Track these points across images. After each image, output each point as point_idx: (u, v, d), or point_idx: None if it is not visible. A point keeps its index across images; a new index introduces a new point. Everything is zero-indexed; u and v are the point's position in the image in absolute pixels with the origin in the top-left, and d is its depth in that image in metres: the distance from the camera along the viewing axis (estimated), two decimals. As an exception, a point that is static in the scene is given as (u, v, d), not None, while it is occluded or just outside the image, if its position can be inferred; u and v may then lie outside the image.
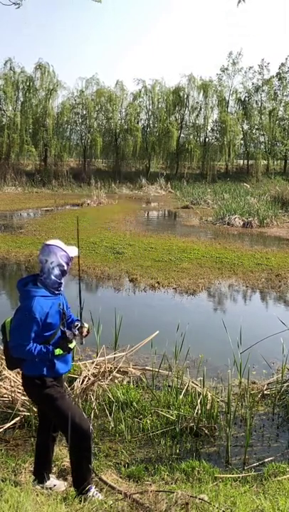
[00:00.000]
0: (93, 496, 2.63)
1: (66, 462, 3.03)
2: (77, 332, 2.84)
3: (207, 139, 37.40)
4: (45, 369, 2.75)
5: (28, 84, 31.99)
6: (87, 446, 2.68)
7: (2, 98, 31.55)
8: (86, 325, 2.91)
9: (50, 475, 2.87)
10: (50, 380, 2.78)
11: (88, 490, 2.65)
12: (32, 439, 3.47)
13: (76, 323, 2.89)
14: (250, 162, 38.75)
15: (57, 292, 2.83)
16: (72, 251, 2.86)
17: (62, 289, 2.89)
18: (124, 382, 4.19)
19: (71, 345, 2.77)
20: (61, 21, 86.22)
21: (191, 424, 3.62)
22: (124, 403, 3.84)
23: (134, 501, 2.50)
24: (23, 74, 32.08)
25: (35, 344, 2.67)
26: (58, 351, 2.71)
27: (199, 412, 3.68)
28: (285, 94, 37.64)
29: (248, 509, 2.55)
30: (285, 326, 4.70)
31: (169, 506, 2.40)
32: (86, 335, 2.90)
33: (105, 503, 2.53)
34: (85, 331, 2.88)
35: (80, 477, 2.67)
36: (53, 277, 2.78)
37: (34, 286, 2.78)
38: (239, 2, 3.06)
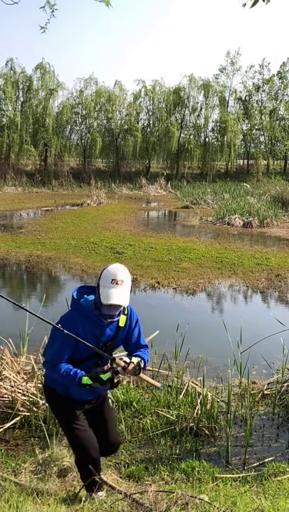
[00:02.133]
0: (98, 497, 2.60)
1: (67, 462, 3.03)
2: (110, 366, 2.48)
3: (207, 139, 37.39)
4: (59, 385, 2.59)
5: (27, 84, 32.00)
6: (86, 474, 2.57)
7: (2, 98, 31.54)
8: (131, 360, 2.53)
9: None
10: (65, 398, 2.59)
11: (95, 490, 2.61)
12: (32, 439, 3.47)
13: (118, 357, 2.53)
14: (251, 162, 38.75)
15: (106, 321, 2.55)
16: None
17: (116, 319, 2.58)
18: (124, 383, 4.18)
19: (104, 377, 2.45)
20: (61, 21, 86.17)
21: (191, 424, 3.62)
22: (124, 403, 3.84)
23: (134, 501, 2.50)
24: (23, 74, 32.10)
25: (63, 364, 2.48)
26: (85, 380, 2.44)
27: (199, 412, 3.68)
28: (285, 93, 37.63)
29: (248, 509, 2.55)
30: (285, 326, 4.70)
31: (169, 506, 2.40)
32: (131, 372, 2.52)
33: (105, 503, 2.53)
34: (126, 365, 2.48)
35: (83, 479, 2.65)
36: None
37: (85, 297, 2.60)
38: (253, 4, 2.90)
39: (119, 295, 2.45)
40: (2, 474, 2.89)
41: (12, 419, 3.58)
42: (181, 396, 3.94)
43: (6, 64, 31.67)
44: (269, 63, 38.70)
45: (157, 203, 23.32)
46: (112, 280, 2.46)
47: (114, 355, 2.56)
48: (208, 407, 3.74)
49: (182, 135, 36.50)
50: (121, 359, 2.51)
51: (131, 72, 73.78)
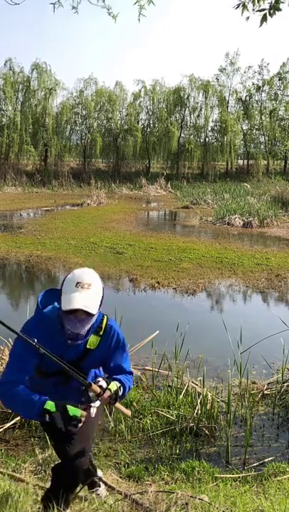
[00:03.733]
0: (97, 494, 2.58)
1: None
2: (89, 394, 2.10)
3: (207, 139, 37.39)
4: None
5: (27, 84, 32.00)
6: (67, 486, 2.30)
7: (2, 98, 31.55)
8: (108, 386, 2.14)
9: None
10: None
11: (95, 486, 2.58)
12: (32, 439, 3.47)
13: (97, 381, 2.16)
14: (251, 162, 38.75)
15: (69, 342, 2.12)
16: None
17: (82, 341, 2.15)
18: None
19: (71, 411, 2.00)
20: (61, 22, 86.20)
21: (191, 424, 3.62)
22: (124, 403, 3.83)
23: (134, 501, 2.50)
24: (22, 74, 32.10)
25: (20, 385, 2.04)
26: (49, 405, 1.99)
27: (199, 412, 3.68)
28: (285, 94, 37.65)
29: (248, 509, 2.55)
30: (286, 325, 4.70)
31: (169, 506, 2.40)
32: (106, 400, 2.14)
33: (105, 503, 2.53)
34: (101, 391, 2.11)
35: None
36: None
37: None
38: (262, 22, 3.05)
39: (83, 299, 2.00)
40: (2, 471, 2.89)
41: (12, 419, 3.58)
42: (181, 396, 3.93)
43: (4, 64, 31.65)
44: (268, 63, 38.70)
45: (157, 203, 23.32)
46: (77, 283, 2.05)
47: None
48: (208, 407, 3.74)
49: (182, 135, 36.50)
50: (96, 382, 2.13)
51: (131, 72, 73.69)
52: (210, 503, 2.48)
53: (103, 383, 2.16)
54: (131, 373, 2.37)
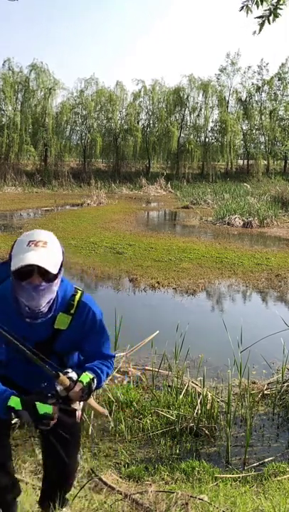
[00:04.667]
0: None
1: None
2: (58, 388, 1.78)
3: (207, 139, 37.40)
4: None
5: (26, 84, 32.00)
6: None
7: (1, 98, 31.55)
8: (79, 378, 1.83)
9: None
10: None
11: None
12: (32, 439, 3.47)
13: (65, 373, 1.82)
14: (251, 162, 38.75)
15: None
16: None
17: (43, 318, 1.83)
18: (124, 382, 4.18)
19: (41, 408, 1.71)
20: (61, 22, 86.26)
21: (191, 424, 3.61)
22: (124, 403, 3.84)
23: (134, 501, 2.50)
24: (21, 74, 32.09)
25: None
26: (14, 402, 1.76)
27: (199, 412, 3.68)
28: (285, 94, 37.66)
29: (248, 509, 2.55)
30: (287, 325, 4.70)
31: (169, 506, 2.40)
32: (76, 395, 1.81)
33: (105, 503, 2.53)
34: (71, 384, 1.79)
35: None
36: None
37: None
38: (260, 29, 3.08)
39: (38, 255, 1.70)
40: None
41: (12, 419, 3.57)
42: (181, 396, 3.93)
43: (3, 64, 31.64)
44: (267, 63, 38.67)
45: (157, 203, 23.32)
46: (30, 242, 1.75)
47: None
48: (208, 407, 3.73)
49: (182, 135, 36.51)
50: (66, 373, 1.81)
51: (131, 72, 73.89)
52: (210, 503, 2.48)
53: (73, 374, 1.82)
54: (111, 357, 2.08)
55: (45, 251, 1.73)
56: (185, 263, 9.58)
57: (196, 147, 35.61)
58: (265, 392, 4.26)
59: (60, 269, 1.80)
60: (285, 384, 4.27)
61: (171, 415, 3.68)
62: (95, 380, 1.91)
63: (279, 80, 37.05)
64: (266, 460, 3.30)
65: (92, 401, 2.05)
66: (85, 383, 1.85)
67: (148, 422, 3.65)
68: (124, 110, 35.73)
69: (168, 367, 4.59)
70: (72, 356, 2.07)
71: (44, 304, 1.79)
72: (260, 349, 4.73)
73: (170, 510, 2.37)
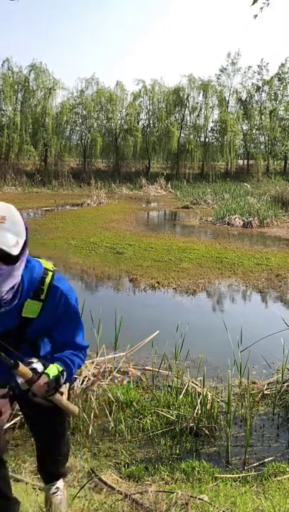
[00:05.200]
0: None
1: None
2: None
3: (207, 139, 37.40)
4: None
5: (26, 84, 31.99)
6: None
7: (1, 98, 31.54)
8: (45, 370, 1.63)
9: None
10: None
11: None
12: (32, 439, 3.47)
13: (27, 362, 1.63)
14: (251, 162, 38.75)
15: None
16: None
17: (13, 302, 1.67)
18: (124, 382, 4.18)
19: None
20: (61, 22, 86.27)
21: (191, 424, 3.61)
22: (124, 403, 3.84)
23: (134, 501, 2.50)
24: (21, 74, 32.08)
25: None
26: None
27: (199, 412, 3.67)
28: (285, 94, 37.67)
29: (248, 509, 2.55)
30: (287, 325, 4.70)
31: (169, 506, 2.40)
32: (41, 389, 1.61)
33: (105, 503, 2.53)
34: (34, 376, 1.60)
35: None
36: None
37: None
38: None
39: None
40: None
41: (12, 419, 3.57)
42: (181, 396, 3.93)
43: (2, 64, 31.61)
44: (267, 63, 38.66)
45: (157, 203, 23.32)
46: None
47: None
48: (208, 407, 3.73)
49: (182, 135, 36.51)
50: (29, 364, 1.60)
51: (131, 72, 73.85)
52: (210, 503, 2.48)
53: (38, 365, 1.62)
54: (84, 347, 1.86)
55: (2, 228, 1.48)
56: (185, 263, 9.58)
57: (196, 147, 35.60)
58: (265, 392, 4.26)
59: (22, 250, 1.55)
60: (285, 384, 4.27)
61: (171, 415, 3.68)
62: (65, 373, 1.69)
63: (279, 80, 37.06)
64: (266, 460, 3.30)
65: (60, 397, 1.70)
66: (51, 376, 1.62)
67: (148, 422, 3.65)
68: (124, 110, 35.72)
69: (168, 367, 4.59)
70: (44, 343, 1.86)
71: (6, 290, 1.57)
72: (260, 349, 4.73)
73: (170, 510, 2.37)
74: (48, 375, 1.63)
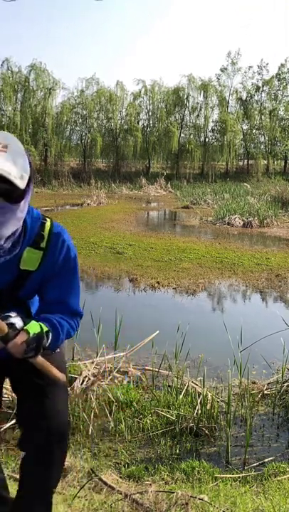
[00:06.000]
0: None
1: (66, 462, 3.02)
2: None
3: (207, 139, 37.41)
4: None
5: (26, 84, 31.99)
6: None
7: (1, 98, 31.54)
8: (25, 326, 1.36)
9: None
10: None
11: None
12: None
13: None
14: (251, 162, 38.78)
15: None
16: None
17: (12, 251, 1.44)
18: (124, 382, 4.18)
19: None
20: (61, 22, 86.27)
21: (191, 424, 3.61)
22: (124, 403, 3.84)
23: (134, 501, 2.50)
24: (20, 73, 32.09)
25: None
26: None
27: (199, 412, 3.67)
28: (285, 94, 37.71)
29: (248, 509, 2.55)
30: (287, 324, 4.69)
31: (169, 506, 2.40)
32: (18, 348, 1.33)
33: (105, 503, 2.53)
34: (11, 332, 1.33)
35: None
36: None
37: None
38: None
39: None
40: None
41: (12, 419, 3.57)
42: (181, 396, 3.93)
43: (2, 64, 31.62)
44: (267, 64, 38.74)
45: (157, 203, 23.32)
46: None
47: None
48: (208, 407, 3.73)
49: (182, 135, 36.54)
50: (6, 318, 1.35)
51: (131, 72, 73.90)
52: (210, 503, 2.48)
53: (17, 320, 1.36)
54: (77, 314, 1.60)
55: (4, 156, 1.27)
56: (185, 263, 9.58)
57: (196, 147, 35.62)
58: (265, 392, 4.26)
59: (28, 187, 1.36)
60: (285, 384, 4.27)
61: (171, 415, 3.68)
62: (50, 334, 1.41)
63: (279, 80, 37.08)
64: (266, 460, 3.30)
65: (42, 360, 1.41)
66: (31, 334, 1.34)
67: (148, 422, 3.65)
68: (124, 110, 35.75)
69: (168, 367, 4.59)
70: (34, 302, 1.63)
71: (6, 234, 1.35)
72: (260, 349, 4.73)
73: (170, 510, 2.37)
74: (28, 332, 1.35)
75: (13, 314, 1.38)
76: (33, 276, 1.50)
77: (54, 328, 1.45)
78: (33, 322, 1.39)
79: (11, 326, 1.35)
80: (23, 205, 1.38)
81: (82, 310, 1.66)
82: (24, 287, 1.51)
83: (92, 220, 15.89)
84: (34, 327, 1.38)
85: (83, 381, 4.05)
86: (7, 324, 1.35)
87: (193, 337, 5.21)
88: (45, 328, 1.41)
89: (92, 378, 4.08)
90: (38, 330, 1.38)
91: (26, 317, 1.43)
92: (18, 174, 1.29)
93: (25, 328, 1.36)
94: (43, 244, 1.50)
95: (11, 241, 1.41)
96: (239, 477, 3.07)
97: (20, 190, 1.30)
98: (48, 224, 1.56)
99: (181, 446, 3.46)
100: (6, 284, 1.47)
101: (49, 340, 1.42)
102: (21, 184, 1.30)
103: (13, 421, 3.57)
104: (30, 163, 1.38)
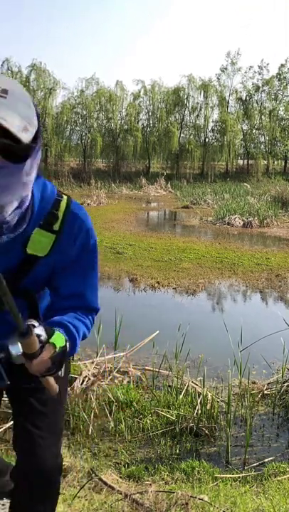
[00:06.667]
0: None
1: (66, 462, 3.02)
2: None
3: (207, 139, 37.42)
4: None
5: (25, 84, 31.99)
6: None
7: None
8: (51, 339, 1.13)
9: None
10: None
11: None
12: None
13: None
14: (251, 162, 38.80)
15: None
16: None
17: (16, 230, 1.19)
18: (124, 382, 4.18)
19: None
20: (61, 22, 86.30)
21: (191, 424, 3.61)
22: (124, 403, 3.84)
23: (134, 501, 2.50)
24: (20, 73, 32.09)
25: None
26: None
27: (199, 412, 3.68)
28: (285, 94, 37.75)
29: (248, 509, 2.55)
30: (287, 324, 4.70)
31: (169, 506, 2.40)
32: (42, 365, 1.10)
33: (105, 503, 2.53)
34: (34, 347, 1.08)
35: None
36: None
37: None
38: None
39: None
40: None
41: (12, 419, 3.57)
42: (181, 396, 3.93)
43: (2, 64, 31.64)
44: (268, 64, 38.83)
45: (157, 203, 23.32)
46: None
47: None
48: (208, 407, 3.74)
49: (182, 135, 36.57)
50: (29, 329, 1.07)
51: (131, 72, 73.95)
52: (210, 503, 2.49)
53: (41, 331, 1.12)
54: (94, 310, 1.40)
55: (3, 103, 1.00)
56: (185, 263, 9.58)
57: (196, 147, 35.65)
58: (265, 392, 4.26)
59: (34, 144, 1.08)
60: (285, 384, 4.27)
61: (171, 415, 3.68)
62: (68, 344, 1.20)
63: (279, 80, 37.12)
64: (266, 460, 3.30)
65: (52, 381, 1.21)
66: (58, 348, 1.13)
67: (148, 422, 3.65)
68: (124, 110, 35.78)
69: (168, 367, 4.59)
70: (44, 296, 1.39)
71: (8, 203, 1.09)
72: (260, 349, 4.73)
73: (170, 510, 2.37)
74: (55, 346, 1.13)
75: (36, 323, 1.14)
76: (41, 263, 1.24)
77: (71, 335, 1.24)
78: (57, 333, 1.18)
79: (38, 337, 1.11)
80: (30, 168, 1.10)
81: (99, 305, 1.42)
82: (30, 275, 1.25)
83: (92, 220, 15.79)
84: (60, 339, 1.16)
85: (83, 381, 4.05)
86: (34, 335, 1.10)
87: (193, 337, 5.21)
88: (65, 338, 1.20)
89: (92, 378, 4.09)
90: (63, 342, 1.17)
91: (30, 315, 1.24)
92: (21, 126, 1.03)
93: (50, 341, 1.13)
94: (56, 227, 1.24)
95: (17, 215, 1.14)
96: (239, 477, 3.07)
97: (24, 145, 1.04)
98: (64, 202, 1.30)
99: (181, 446, 3.46)
100: (8, 269, 1.20)
101: (67, 351, 1.21)
102: (25, 138, 1.03)
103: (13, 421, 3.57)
104: (38, 114, 1.11)
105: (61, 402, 1.52)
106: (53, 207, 1.26)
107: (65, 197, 1.32)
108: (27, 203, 1.17)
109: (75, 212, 1.32)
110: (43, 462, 1.38)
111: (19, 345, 1.08)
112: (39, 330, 1.13)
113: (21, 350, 1.08)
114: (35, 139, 1.08)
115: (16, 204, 1.11)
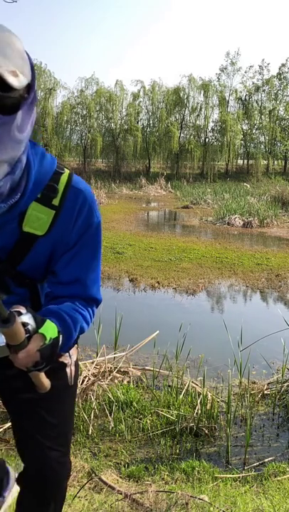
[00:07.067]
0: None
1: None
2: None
3: (207, 139, 37.44)
4: None
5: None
6: None
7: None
8: (40, 329, 0.99)
9: None
10: None
11: None
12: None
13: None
14: (250, 162, 38.82)
15: None
16: None
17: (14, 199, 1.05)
18: (125, 382, 4.18)
19: None
20: (62, 21, 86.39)
21: (191, 424, 3.61)
22: (124, 403, 3.84)
23: (134, 501, 2.50)
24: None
25: None
26: None
27: (199, 412, 3.68)
28: (285, 94, 37.77)
29: (248, 509, 2.55)
30: (288, 324, 4.70)
31: (169, 506, 2.40)
32: (30, 357, 0.96)
33: (105, 503, 2.53)
34: (26, 341, 0.95)
35: None
36: None
37: None
38: None
39: None
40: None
41: (11, 421, 3.57)
42: (181, 396, 3.93)
43: (1, 65, 31.68)
44: (268, 64, 38.88)
45: (157, 203, 23.32)
46: None
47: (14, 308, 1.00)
48: (208, 407, 3.73)
49: (182, 135, 36.59)
50: (13, 316, 0.92)
51: (130, 72, 73.95)
52: (210, 503, 2.49)
53: (28, 319, 0.99)
54: (96, 301, 1.24)
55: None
56: (185, 263, 9.58)
57: (196, 147, 35.66)
58: (265, 392, 4.26)
59: (27, 94, 1.01)
60: (285, 384, 4.27)
61: (171, 415, 3.68)
62: (61, 337, 1.06)
63: (279, 80, 37.14)
64: (266, 460, 3.30)
65: (44, 378, 1.07)
66: (48, 339, 1.00)
67: (148, 422, 3.65)
68: (124, 110, 35.81)
69: (168, 367, 4.59)
70: (44, 287, 1.24)
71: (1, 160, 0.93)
72: (260, 349, 4.73)
73: (170, 510, 2.37)
74: (44, 337, 1.00)
75: (22, 310, 1.00)
76: (39, 243, 1.11)
77: (66, 327, 1.09)
78: (48, 322, 1.03)
79: (23, 325, 0.97)
80: (22, 122, 0.99)
81: (101, 295, 1.26)
82: (27, 257, 1.11)
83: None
84: (51, 330, 1.03)
85: (83, 381, 4.06)
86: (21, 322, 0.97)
87: (194, 337, 5.21)
88: (57, 329, 1.06)
89: (92, 378, 4.09)
90: (56, 333, 1.04)
91: (32, 307, 1.05)
92: (9, 68, 0.89)
93: (40, 331, 1.00)
94: (55, 201, 1.10)
95: (9, 182, 0.99)
96: (239, 477, 3.07)
97: (15, 92, 0.91)
98: (65, 175, 1.14)
99: (181, 446, 3.46)
100: (3, 248, 1.09)
101: (61, 343, 1.07)
102: (16, 82, 0.90)
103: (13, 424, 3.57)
104: (32, 65, 1.02)
105: (71, 411, 1.45)
106: (52, 179, 1.12)
107: (67, 170, 1.17)
108: (20, 169, 1.02)
109: (78, 187, 1.14)
110: (54, 474, 1.35)
111: (1, 335, 0.94)
112: (26, 318, 0.98)
113: (4, 341, 0.95)
114: (27, 91, 0.99)
115: (6, 167, 0.96)
